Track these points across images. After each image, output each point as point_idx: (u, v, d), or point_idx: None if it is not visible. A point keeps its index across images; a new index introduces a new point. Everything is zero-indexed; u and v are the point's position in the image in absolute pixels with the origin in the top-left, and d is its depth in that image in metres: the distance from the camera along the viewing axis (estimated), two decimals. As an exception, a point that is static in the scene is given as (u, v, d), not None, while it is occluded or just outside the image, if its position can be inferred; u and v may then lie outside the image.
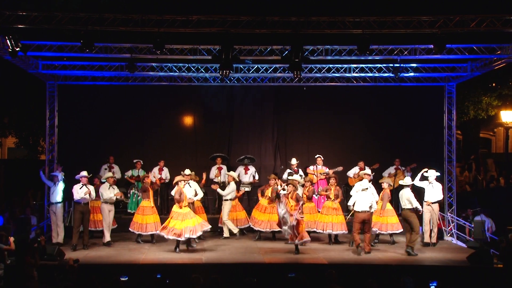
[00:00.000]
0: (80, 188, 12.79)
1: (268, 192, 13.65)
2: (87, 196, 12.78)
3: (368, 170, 13.58)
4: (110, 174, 13.85)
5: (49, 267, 10.39)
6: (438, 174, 13.65)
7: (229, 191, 13.92)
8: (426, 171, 13.53)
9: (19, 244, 10.36)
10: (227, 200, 13.94)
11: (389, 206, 13.33)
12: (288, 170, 15.19)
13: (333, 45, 13.32)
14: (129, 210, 15.00)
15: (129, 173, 15.52)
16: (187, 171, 13.54)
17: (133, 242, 13.48)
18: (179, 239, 12.03)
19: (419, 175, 13.50)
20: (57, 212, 13.50)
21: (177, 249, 12.19)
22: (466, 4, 12.91)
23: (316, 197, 14.29)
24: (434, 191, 13.46)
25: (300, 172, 15.22)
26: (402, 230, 13.23)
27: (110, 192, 13.16)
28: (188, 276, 8.12)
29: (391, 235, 13.48)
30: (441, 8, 13.49)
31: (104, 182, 13.52)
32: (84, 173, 13.01)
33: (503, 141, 25.25)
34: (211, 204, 15.75)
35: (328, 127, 16.66)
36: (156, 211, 13.57)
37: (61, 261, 11.02)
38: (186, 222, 12.01)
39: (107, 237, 13.18)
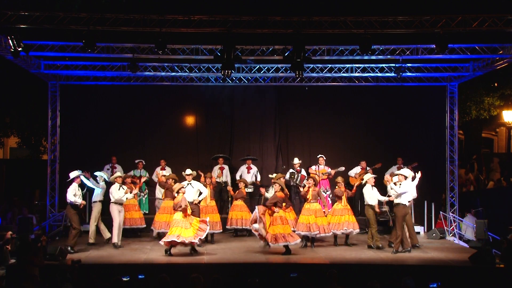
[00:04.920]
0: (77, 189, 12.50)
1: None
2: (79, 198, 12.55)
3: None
4: (118, 174, 13.58)
5: (50, 267, 10.38)
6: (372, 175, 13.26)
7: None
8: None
9: (21, 243, 10.36)
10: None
11: None
12: (291, 170, 15.18)
13: (335, 45, 13.31)
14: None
15: (130, 173, 15.49)
16: (188, 171, 13.39)
17: (134, 242, 13.51)
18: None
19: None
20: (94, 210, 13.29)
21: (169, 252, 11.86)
22: (468, 3, 12.86)
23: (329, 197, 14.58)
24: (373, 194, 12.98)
25: (303, 171, 15.22)
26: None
27: (120, 193, 12.90)
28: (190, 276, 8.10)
29: None
30: (443, 7, 13.46)
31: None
32: (76, 173, 12.74)
33: (505, 141, 25.21)
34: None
35: (329, 127, 16.63)
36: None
37: (62, 261, 11.03)
38: (188, 232, 11.61)
39: (115, 239, 12.82)
